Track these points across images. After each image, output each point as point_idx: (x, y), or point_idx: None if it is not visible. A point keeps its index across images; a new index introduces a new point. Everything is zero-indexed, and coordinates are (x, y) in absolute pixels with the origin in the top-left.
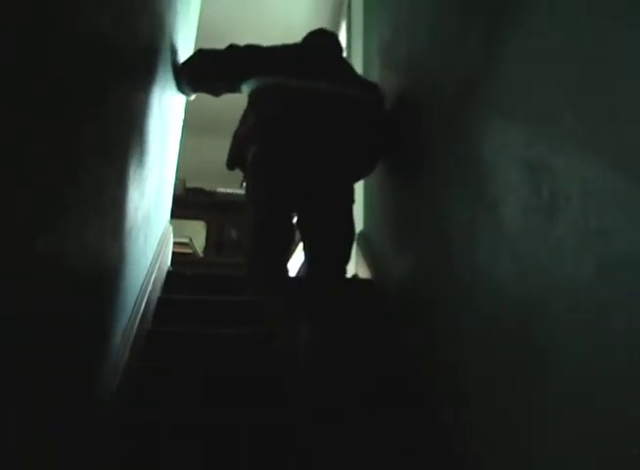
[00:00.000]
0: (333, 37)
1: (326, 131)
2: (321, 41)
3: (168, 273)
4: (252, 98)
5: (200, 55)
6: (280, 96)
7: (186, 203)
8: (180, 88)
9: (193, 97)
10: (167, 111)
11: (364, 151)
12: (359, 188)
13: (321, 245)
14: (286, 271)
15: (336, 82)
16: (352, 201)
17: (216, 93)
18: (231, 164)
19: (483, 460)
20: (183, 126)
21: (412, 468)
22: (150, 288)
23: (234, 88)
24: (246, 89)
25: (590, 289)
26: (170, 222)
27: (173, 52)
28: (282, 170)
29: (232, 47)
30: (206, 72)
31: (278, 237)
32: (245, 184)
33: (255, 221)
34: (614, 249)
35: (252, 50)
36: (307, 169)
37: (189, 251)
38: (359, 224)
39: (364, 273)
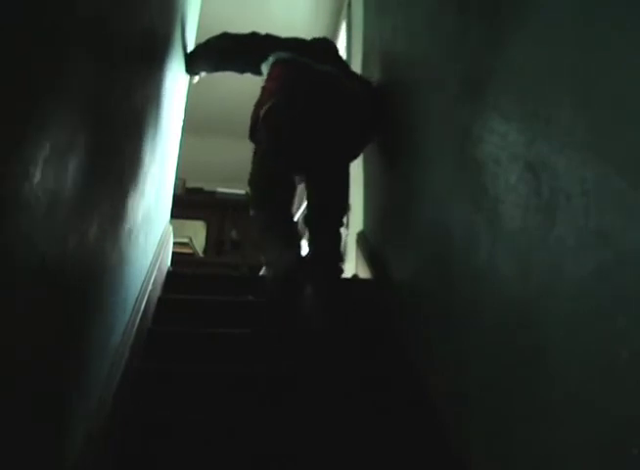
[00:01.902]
0: (333, 43)
1: (327, 109)
2: (325, 43)
3: (168, 273)
4: (270, 70)
5: (225, 36)
6: (294, 67)
7: (186, 203)
8: (196, 67)
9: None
10: (168, 110)
11: (354, 135)
12: (359, 188)
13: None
14: (289, 214)
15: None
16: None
17: (225, 69)
18: (252, 130)
19: (483, 460)
20: (183, 126)
21: (412, 468)
22: (150, 287)
23: (253, 67)
24: (265, 68)
25: (590, 289)
26: (170, 222)
27: (183, 46)
28: (291, 125)
29: (255, 33)
30: (231, 51)
31: (282, 181)
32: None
33: (262, 173)
34: (614, 249)
35: (270, 36)
36: (312, 136)
37: (189, 251)
38: (359, 224)
39: (364, 273)
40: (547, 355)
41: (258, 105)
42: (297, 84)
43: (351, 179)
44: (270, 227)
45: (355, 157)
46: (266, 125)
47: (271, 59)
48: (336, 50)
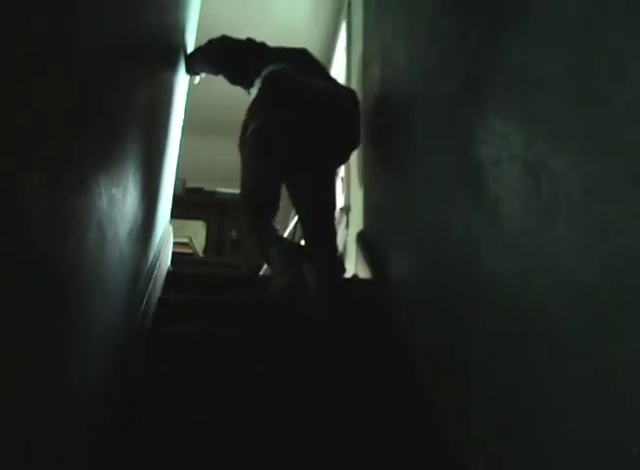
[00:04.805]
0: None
1: (318, 120)
2: (305, 52)
3: (168, 273)
4: (262, 83)
5: (225, 39)
6: (287, 82)
7: (186, 203)
8: (196, 68)
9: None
10: (168, 109)
11: (343, 139)
12: (359, 188)
13: (314, 210)
14: (274, 227)
15: (331, 84)
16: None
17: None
18: (242, 139)
19: (483, 460)
20: (183, 126)
21: (412, 468)
22: (150, 288)
23: (245, 77)
24: (258, 82)
25: (590, 289)
26: (170, 222)
27: (184, 46)
28: (282, 141)
29: (250, 39)
30: (231, 54)
31: (269, 200)
32: (242, 153)
33: (250, 187)
34: (614, 249)
35: (264, 43)
36: (302, 146)
37: (189, 251)
38: (359, 224)
39: (364, 273)
40: (547, 355)
41: (250, 116)
42: (289, 101)
43: (351, 179)
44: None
45: (343, 162)
46: (255, 141)
47: (264, 72)
48: (318, 61)
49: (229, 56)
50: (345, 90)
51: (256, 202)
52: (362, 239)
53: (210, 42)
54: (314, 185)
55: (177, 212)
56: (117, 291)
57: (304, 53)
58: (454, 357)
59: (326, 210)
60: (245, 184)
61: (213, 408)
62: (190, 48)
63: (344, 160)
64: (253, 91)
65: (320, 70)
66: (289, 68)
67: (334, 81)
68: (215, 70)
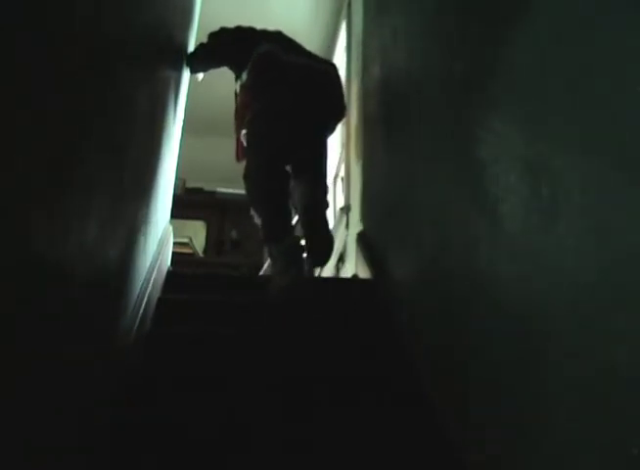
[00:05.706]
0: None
1: (311, 96)
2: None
3: (168, 273)
4: (252, 66)
5: (221, 31)
6: (273, 62)
7: (186, 203)
8: (198, 66)
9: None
10: (169, 110)
11: (333, 112)
12: (359, 188)
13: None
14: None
15: (314, 60)
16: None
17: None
18: (237, 127)
19: (483, 461)
20: (183, 126)
21: (412, 468)
22: (150, 288)
23: (240, 64)
24: (248, 66)
25: (590, 289)
26: (170, 222)
27: (184, 47)
28: (280, 121)
29: (239, 26)
30: (228, 43)
31: (277, 169)
32: (246, 137)
33: (258, 165)
34: (614, 249)
35: (252, 27)
36: (299, 125)
37: (189, 251)
38: (359, 224)
39: (364, 273)
40: (547, 355)
41: (246, 99)
42: (281, 80)
43: (351, 179)
44: (270, 222)
45: (332, 132)
46: (254, 125)
47: (254, 55)
48: (294, 40)
49: (228, 48)
50: (328, 64)
51: (264, 176)
52: (362, 239)
53: (210, 36)
54: (312, 155)
55: (177, 212)
56: (117, 291)
57: (281, 34)
58: (454, 357)
59: (322, 175)
60: (250, 164)
61: (213, 408)
62: (190, 48)
63: (333, 130)
64: (244, 76)
65: (300, 48)
66: (273, 48)
67: (315, 57)
68: (218, 64)
